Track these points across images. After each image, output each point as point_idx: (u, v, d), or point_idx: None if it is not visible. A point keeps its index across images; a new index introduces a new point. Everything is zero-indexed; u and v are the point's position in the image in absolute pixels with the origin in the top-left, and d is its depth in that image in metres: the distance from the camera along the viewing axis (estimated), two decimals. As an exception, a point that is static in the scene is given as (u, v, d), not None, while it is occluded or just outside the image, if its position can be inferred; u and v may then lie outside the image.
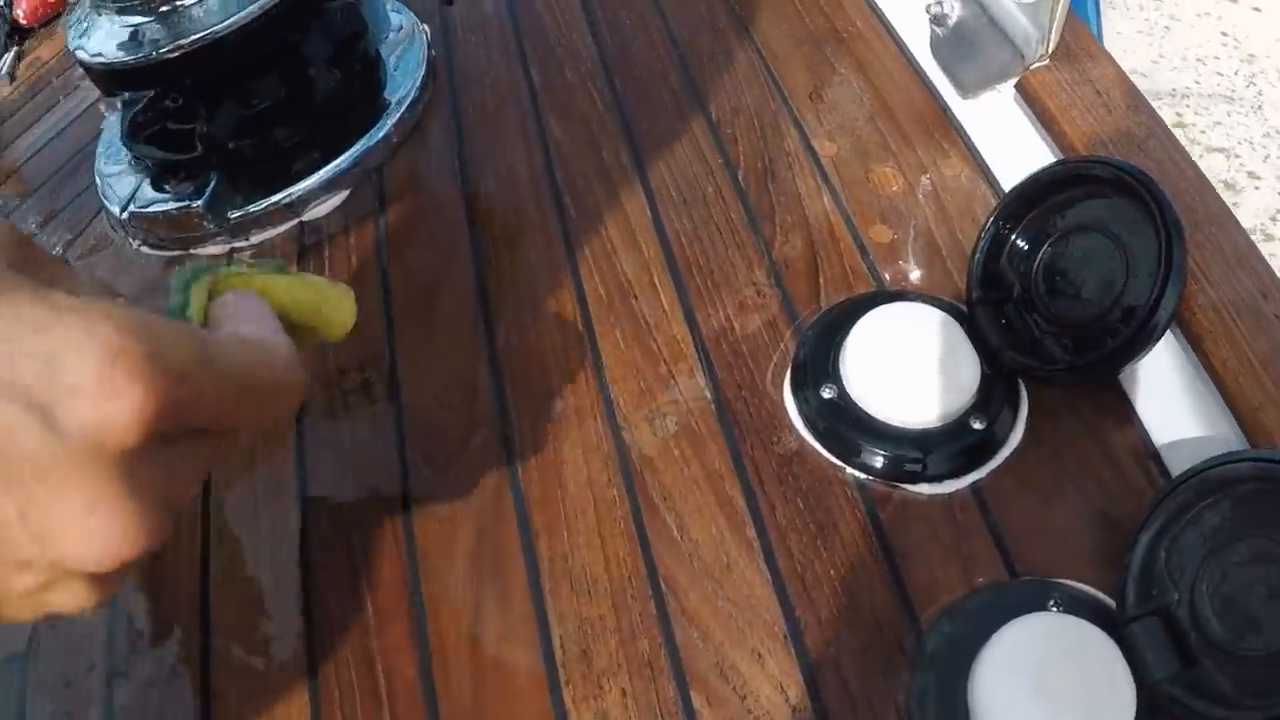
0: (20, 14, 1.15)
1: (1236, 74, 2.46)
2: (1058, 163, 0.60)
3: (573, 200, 0.72)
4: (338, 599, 0.54)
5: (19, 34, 1.16)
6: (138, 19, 0.74)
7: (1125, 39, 2.53)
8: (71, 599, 0.30)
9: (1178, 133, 2.27)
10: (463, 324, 0.66)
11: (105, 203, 0.83)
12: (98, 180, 0.85)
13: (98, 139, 0.90)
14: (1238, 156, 2.20)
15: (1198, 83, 2.43)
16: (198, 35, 0.71)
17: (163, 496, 0.29)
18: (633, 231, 0.68)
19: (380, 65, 0.86)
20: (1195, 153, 2.17)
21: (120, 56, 0.73)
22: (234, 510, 0.59)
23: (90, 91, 1.02)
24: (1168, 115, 2.30)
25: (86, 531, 0.27)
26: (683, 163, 0.73)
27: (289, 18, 0.74)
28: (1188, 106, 2.35)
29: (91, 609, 0.31)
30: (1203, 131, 2.28)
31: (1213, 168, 2.17)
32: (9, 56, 1.14)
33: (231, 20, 0.72)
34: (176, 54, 0.72)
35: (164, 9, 0.73)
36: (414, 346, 0.65)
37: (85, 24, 0.77)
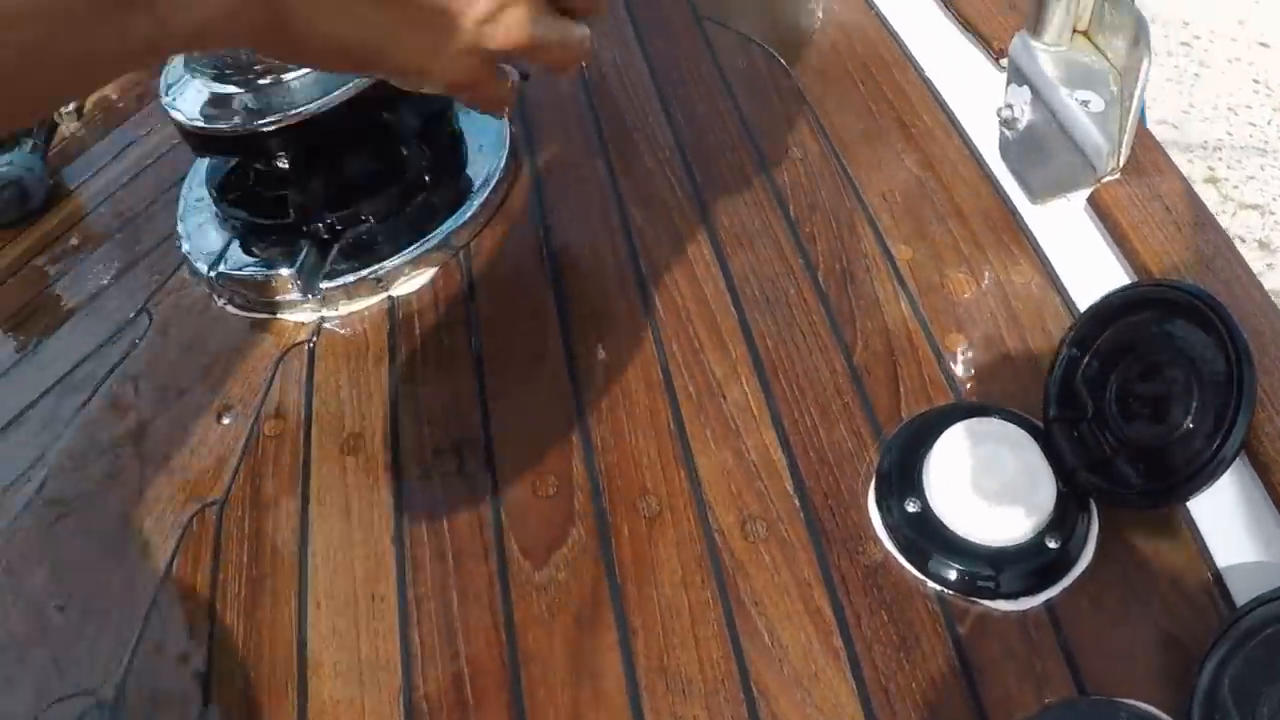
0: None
1: (1269, 124, 2.46)
2: (1130, 286, 0.62)
3: (657, 291, 0.75)
4: (437, 683, 0.57)
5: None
6: (233, 89, 0.76)
7: (1154, 87, 2.53)
8: (513, 23, 0.46)
9: (1210, 188, 2.27)
10: (556, 412, 0.68)
11: (189, 257, 0.85)
12: (180, 232, 0.87)
13: (177, 186, 0.92)
14: (1272, 214, 2.19)
15: (1230, 134, 2.43)
16: (296, 109, 0.74)
17: None
18: (719, 330, 0.71)
19: (463, 142, 0.89)
20: (1229, 210, 2.17)
21: (217, 124, 0.75)
22: (332, 592, 0.62)
23: (166, 137, 1.05)
24: (1200, 169, 2.30)
25: None
26: (764, 260, 0.75)
27: (381, 93, 0.76)
28: (1220, 160, 2.35)
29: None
30: (1235, 187, 2.28)
31: (1247, 225, 2.16)
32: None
33: (330, 96, 0.74)
34: (273, 127, 0.75)
35: (262, 82, 0.76)
36: (508, 429, 0.68)
37: (179, 85, 0.79)
